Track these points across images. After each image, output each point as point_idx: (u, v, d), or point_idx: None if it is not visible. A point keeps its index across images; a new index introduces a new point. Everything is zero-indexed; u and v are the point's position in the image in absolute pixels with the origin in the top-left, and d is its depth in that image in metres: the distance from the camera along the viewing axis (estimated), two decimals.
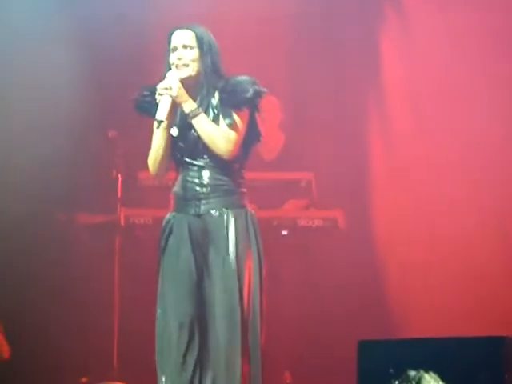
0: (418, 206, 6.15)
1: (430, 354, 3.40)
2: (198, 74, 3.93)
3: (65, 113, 5.93)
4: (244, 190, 3.97)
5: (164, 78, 3.90)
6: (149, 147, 4.00)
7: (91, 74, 6.02)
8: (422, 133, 6.23)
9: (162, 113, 3.85)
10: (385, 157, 6.31)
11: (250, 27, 6.09)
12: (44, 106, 5.95)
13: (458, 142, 6.10)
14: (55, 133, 5.96)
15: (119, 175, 5.64)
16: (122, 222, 5.67)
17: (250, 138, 4.00)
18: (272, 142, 6.18)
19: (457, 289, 5.98)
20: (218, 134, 3.89)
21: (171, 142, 3.94)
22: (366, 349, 3.49)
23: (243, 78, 3.93)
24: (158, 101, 3.88)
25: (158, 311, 3.93)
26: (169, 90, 3.86)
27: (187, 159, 3.94)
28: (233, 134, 3.90)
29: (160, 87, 3.88)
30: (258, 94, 3.91)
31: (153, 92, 3.94)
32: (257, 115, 4.01)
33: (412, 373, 3.34)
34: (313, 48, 6.27)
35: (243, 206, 3.95)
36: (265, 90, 3.93)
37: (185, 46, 3.93)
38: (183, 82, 3.90)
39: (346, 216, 5.80)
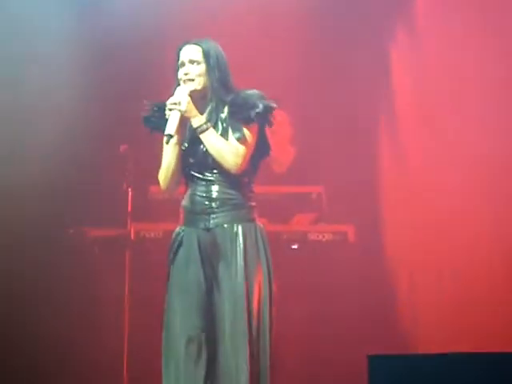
0: (429, 220, 6.14)
1: (441, 369, 3.39)
2: (205, 88, 3.95)
3: (76, 126, 5.96)
4: (253, 203, 3.98)
5: (173, 94, 3.91)
6: (160, 161, 4.01)
7: (104, 87, 6.04)
8: (433, 146, 6.22)
9: (171, 128, 3.86)
10: (395, 170, 6.30)
11: (259, 41, 6.11)
12: (56, 119, 5.97)
13: (471, 153, 6.10)
14: (66, 147, 5.98)
15: (130, 189, 5.65)
16: (133, 236, 5.67)
17: (259, 151, 4.01)
18: (282, 155, 6.18)
19: (469, 303, 5.96)
20: (227, 149, 3.89)
21: (181, 157, 3.96)
22: (376, 363, 3.47)
23: (252, 92, 3.94)
24: (167, 116, 3.90)
25: (166, 324, 3.93)
26: (178, 105, 3.87)
27: (196, 173, 3.95)
28: (241, 149, 3.90)
29: (169, 102, 3.90)
30: (267, 109, 3.92)
31: (161, 107, 3.96)
32: (267, 129, 4.01)
33: None
34: (322, 61, 6.27)
35: (252, 220, 3.95)
36: (274, 104, 3.94)
37: (191, 61, 3.95)
38: (192, 96, 3.92)
39: (356, 230, 5.80)
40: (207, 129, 3.91)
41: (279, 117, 6.05)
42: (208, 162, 3.93)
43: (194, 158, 3.95)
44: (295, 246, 5.71)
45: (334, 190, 5.99)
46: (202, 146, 3.93)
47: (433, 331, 5.93)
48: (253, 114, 3.89)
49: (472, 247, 6.08)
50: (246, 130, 3.91)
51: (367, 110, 6.25)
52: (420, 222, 6.15)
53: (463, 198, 6.09)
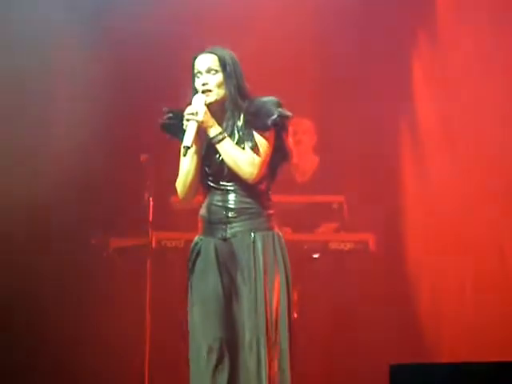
0: (450, 229, 6.12)
1: (464, 379, 3.36)
2: (223, 97, 3.94)
3: (96, 136, 5.98)
4: (271, 211, 3.97)
5: (190, 103, 3.91)
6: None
7: (123, 97, 6.07)
8: (454, 156, 6.21)
9: (188, 139, 3.86)
10: (416, 180, 6.28)
11: (284, 51, 6.12)
12: (78, 129, 6.01)
13: (492, 167, 6.07)
14: (87, 157, 6.01)
15: (151, 199, 5.66)
16: (154, 245, 5.68)
17: (277, 158, 4.00)
18: (306, 164, 6.19)
19: (492, 312, 5.92)
20: (242, 159, 3.88)
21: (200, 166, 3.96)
22: (398, 373, 3.45)
23: (268, 99, 3.92)
24: (184, 126, 3.90)
25: (190, 334, 3.93)
26: (195, 115, 3.87)
27: (213, 183, 3.96)
28: (257, 158, 3.89)
29: (187, 112, 3.89)
30: (282, 117, 3.90)
31: (177, 115, 3.96)
32: (285, 135, 3.99)
33: None
34: (347, 72, 6.27)
35: (270, 229, 3.94)
36: (289, 113, 3.92)
37: (208, 71, 3.94)
38: (209, 106, 3.92)
39: (378, 239, 5.77)
40: (223, 138, 3.91)
41: (304, 126, 6.11)
42: (224, 172, 3.92)
43: (210, 168, 3.96)
44: (316, 256, 5.70)
45: (356, 199, 5.98)
46: (217, 156, 3.93)
47: (456, 341, 5.90)
48: (268, 122, 3.88)
49: (495, 257, 6.05)
50: (261, 139, 3.91)
51: (390, 120, 6.24)
52: (442, 231, 6.12)
53: (485, 208, 6.06)
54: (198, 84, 3.95)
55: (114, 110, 6.03)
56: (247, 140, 3.91)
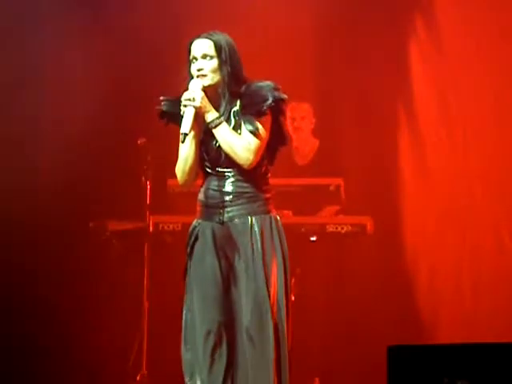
0: (448, 212, 6.13)
1: (461, 360, 3.37)
2: (218, 82, 3.92)
3: (94, 120, 5.98)
4: (268, 195, 3.96)
5: (187, 89, 3.90)
6: (178, 155, 4.01)
7: (121, 82, 6.06)
8: (452, 139, 6.21)
9: (186, 126, 3.84)
10: (414, 163, 6.29)
11: (280, 34, 6.11)
12: (75, 114, 6.00)
13: (490, 150, 6.08)
14: (84, 141, 6.00)
15: (148, 182, 5.66)
16: (151, 229, 5.68)
17: (275, 142, 3.99)
18: (306, 147, 6.19)
19: (489, 293, 5.94)
20: (239, 144, 3.87)
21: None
22: (396, 355, 3.45)
23: (263, 83, 3.90)
24: (182, 112, 3.88)
25: (185, 316, 3.93)
26: (192, 101, 3.86)
27: (210, 169, 3.95)
28: (254, 143, 3.87)
29: (184, 98, 3.87)
30: (278, 101, 3.88)
31: (174, 102, 3.94)
32: (282, 119, 3.98)
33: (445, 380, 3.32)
34: (344, 54, 6.27)
35: (268, 212, 3.94)
36: (285, 96, 3.89)
37: (204, 56, 3.91)
38: (206, 91, 3.89)
39: (375, 222, 5.78)
40: (220, 123, 3.89)
41: (304, 111, 6.11)
42: (221, 157, 3.91)
43: (208, 154, 3.95)
44: (314, 238, 5.70)
45: (353, 182, 5.98)
46: (215, 142, 3.92)
47: (453, 322, 5.91)
48: (264, 106, 3.86)
49: (492, 240, 6.06)
50: (258, 123, 3.89)
51: (387, 102, 6.24)
52: (439, 213, 6.13)
53: (483, 192, 6.07)
54: (193, 69, 3.93)
55: (111, 94, 6.02)
56: (244, 125, 3.89)
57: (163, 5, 6.17)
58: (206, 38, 3.94)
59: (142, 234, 5.66)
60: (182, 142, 3.87)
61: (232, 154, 3.88)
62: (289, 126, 6.00)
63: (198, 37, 3.96)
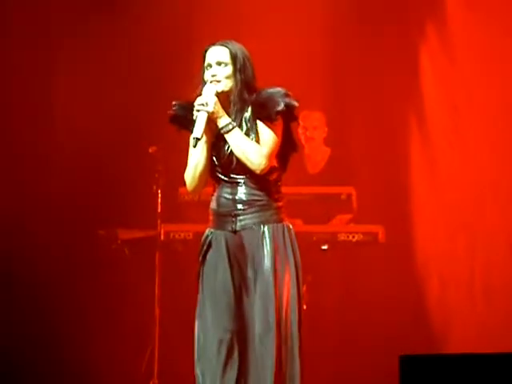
0: (460, 220, 6.11)
1: (473, 370, 3.36)
2: (231, 89, 3.93)
3: (105, 129, 5.99)
4: (281, 204, 3.96)
5: (200, 94, 3.90)
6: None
7: (132, 90, 6.07)
8: (463, 148, 6.20)
9: (198, 130, 3.84)
10: (426, 171, 6.28)
11: (292, 42, 6.12)
12: (85, 122, 6.01)
13: (502, 157, 6.06)
14: (96, 148, 6.02)
15: (159, 190, 5.67)
16: (163, 237, 5.69)
17: (285, 149, 3.98)
18: (318, 155, 6.19)
19: (501, 302, 5.92)
20: (251, 149, 3.86)
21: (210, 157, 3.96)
22: (408, 364, 3.44)
23: (275, 90, 3.90)
24: (194, 117, 3.88)
25: (198, 325, 3.93)
26: (205, 105, 3.86)
27: (222, 175, 3.94)
28: (266, 148, 3.87)
29: (197, 103, 3.88)
30: (289, 107, 3.88)
31: (186, 107, 3.94)
32: (293, 126, 3.98)
33: None
34: (358, 63, 6.27)
35: (280, 221, 3.93)
36: (296, 102, 3.89)
37: (219, 63, 3.93)
38: (218, 97, 3.90)
39: (386, 230, 5.77)
40: (233, 128, 3.89)
41: (316, 120, 6.12)
42: (233, 163, 3.90)
43: (219, 160, 3.94)
44: (325, 247, 5.69)
45: (365, 191, 5.97)
46: (226, 147, 3.92)
47: (464, 332, 5.89)
48: (275, 112, 3.86)
49: (505, 247, 6.03)
50: (269, 130, 3.89)
51: (399, 110, 6.24)
52: (451, 221, 6.12)
53: (495, 199, 6.05)
54: (207, 75, 3.94)
55: (122, 100, 6.04)
56: (255, 131, 3.89)
57: (175, 14, 6.18)
58: (222, 45, 3.96)
59: (153, 243, 5.66)
60: (194, 146, 3.87)
61: (244, 160, 3.88)
62: (301, 135, 6.01)
63: (213, 44, 3.97)
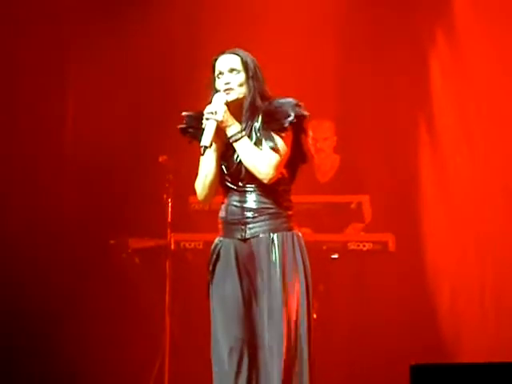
0: (470, 230, 6.09)
1: (484, 379, 3.34)
2: (243, 97, 3.93)
3: (116, 138, 6.01)
4: (290, 212, 3.96)
5: (210, 102, 3.91)
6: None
7: (142, 99, 6.09)
8: (473, 155, 6.19)
9: (206, 139, 3.84)
10: (436, 179, 6.27)
11: (302, 51, 6.13)
12: (95, 132, 6.03)
13: (511, 164, 6.04)
14: (106, 158, 6.03)
15: (169, 200, 5.68)
16: (173, 247, 5.69)
17: (295, 159, 3.99)
18: (327, 164, 6.19)
19: (511, 314, 5.89)
20: (259, 159, 3.87)
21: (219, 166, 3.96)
22: (418, 373, 3.43)
23: (285, 100, 3.91)
24: (203, 125, 3.89)
25: (212, 335, 3.93)
26: (214, 114, 3.86)
27: (231, 184, 3.95)
28: (274, 158, 3.87)
29: (206, 112, 3.88)
30: (299, 118, 3.89)
31: (196, 117, 3.95)
32: (303, 137, 3.98)
33: None
34: (367, 70, 6.27)
35: (290, 229, 3.93)
36: (307, 112, 3.90)
37: (231, 71, 3.93)
38: (229, 105, 3.91)
39: (397, 239, 5.76)
40: (241, 137, 3.90)
41: (326, 128, 6.12)
42: (242, 172, 3.91)
43: (229, 168, 3.95)
44: (335, 256, 5.69)
45: (375, 200, 5.96)
46: (236, 156, 3.93)
47: (475, 341, 5.87)
48: (285, 122, 3.87)
49: None
50: (279, 140, 3.89)
51: (408, 118, 6.24)
52: (461, 230, 6.10)
53: (507, 205, 6.04)
54: (219, 84, 3.94)
55: (133, 111, 6.05)
56: (265, 141, 3.89)
57: (184, 21, 6.20)
58: (232, 53, 3.97)
59: (163, 252, 5.66)
60: (202, 154, 3.87)
61: (252, 169, 3.88)
62: (311, 146, 6.01)
63: (223, 53, 3.98)
